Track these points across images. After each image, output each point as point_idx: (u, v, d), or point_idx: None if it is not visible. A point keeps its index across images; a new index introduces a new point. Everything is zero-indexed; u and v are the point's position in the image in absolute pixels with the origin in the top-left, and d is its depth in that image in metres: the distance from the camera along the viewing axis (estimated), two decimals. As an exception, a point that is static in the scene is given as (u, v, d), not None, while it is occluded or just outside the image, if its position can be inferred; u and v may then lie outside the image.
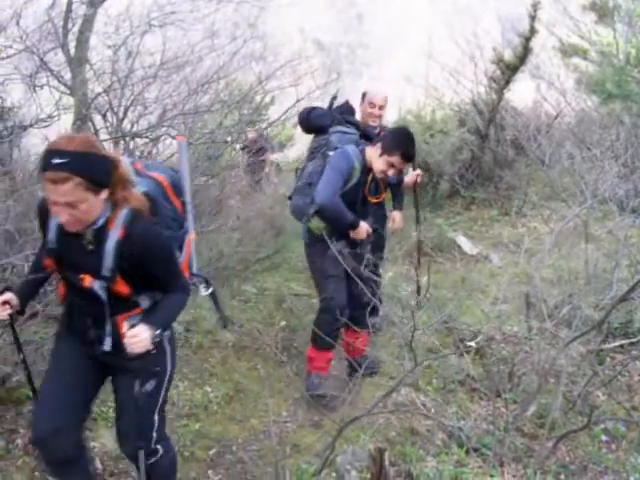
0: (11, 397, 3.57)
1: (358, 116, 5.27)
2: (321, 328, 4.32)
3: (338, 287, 4.42)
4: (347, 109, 4.79)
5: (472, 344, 4.65)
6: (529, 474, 3.16)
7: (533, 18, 8.79)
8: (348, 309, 4.42)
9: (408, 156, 4.33)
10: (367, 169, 4.36)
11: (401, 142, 4.35)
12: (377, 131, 5.38)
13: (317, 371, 4.53)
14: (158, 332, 2.45)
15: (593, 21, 10.57)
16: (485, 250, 8.01)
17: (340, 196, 4.25)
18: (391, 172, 4.32)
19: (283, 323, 5.71)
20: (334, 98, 4.57)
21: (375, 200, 4.58)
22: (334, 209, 4.25)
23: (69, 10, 7.59)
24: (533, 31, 8.91)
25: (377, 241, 5.09)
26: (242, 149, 10.53)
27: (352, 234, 4.36)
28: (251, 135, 10.83)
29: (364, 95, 5.53)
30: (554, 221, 7.45)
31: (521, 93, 10.49)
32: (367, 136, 4.76)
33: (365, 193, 4.43)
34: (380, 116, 5.53)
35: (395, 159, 4.26)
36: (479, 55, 10.20)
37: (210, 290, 2.96)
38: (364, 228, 4.35)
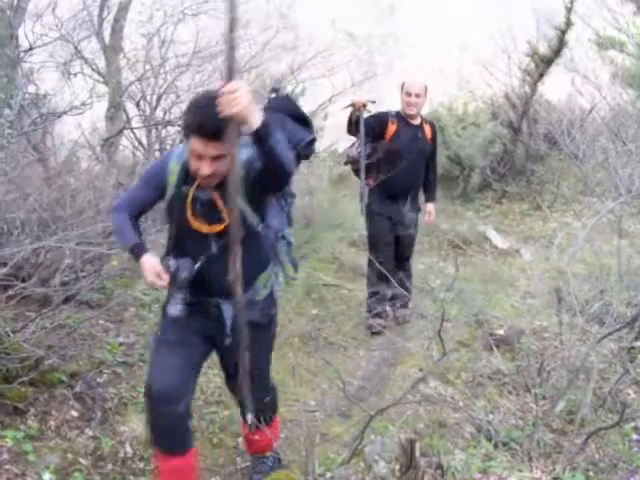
0: (44, 380, 3.61)
1: (399, 106, 5.46)
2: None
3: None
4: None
5: (501, 332, 4.65)
6: (558, 470, 3.14)
7: (569, 10, 8.68)
8: None
9: (199, 130, 2.41)
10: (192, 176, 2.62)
11: (186, 115, 2.64)
12: (419, 121, 5.51)
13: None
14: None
15: (632, 12, 10.39)
16: (516, 244, 7.96)
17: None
18: (205, 169, 2.47)
19: (314, 312, 5.73)
20: (275, 90, 3.12)
21: (208, 229, 2.65)
22: (113, 223, 3.09)
23: (105, -1, 7.66)
24: (569, 23, 8.81)
25: (407, 239, 5.57)
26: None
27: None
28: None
29: (403, 85, 5.45)
30: (587, 216, 7.37)
31: (555, 86, 10.38)
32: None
33: (187, 216, 2.64)
34: (417, 104, 5.40)
35: (192, 144, 2.48)
36: (513, 48, 10.12)
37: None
38: (148, 266, 2.67)
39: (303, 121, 2.93)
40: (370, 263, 5.40)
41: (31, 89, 6.80)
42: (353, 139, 5.40)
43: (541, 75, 9.54)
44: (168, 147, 7.72)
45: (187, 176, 2.66)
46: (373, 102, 5.31)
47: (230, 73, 2.12)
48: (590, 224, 4.93)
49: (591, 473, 3.30)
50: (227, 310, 2.75)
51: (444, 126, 10.44)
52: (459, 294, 5.24)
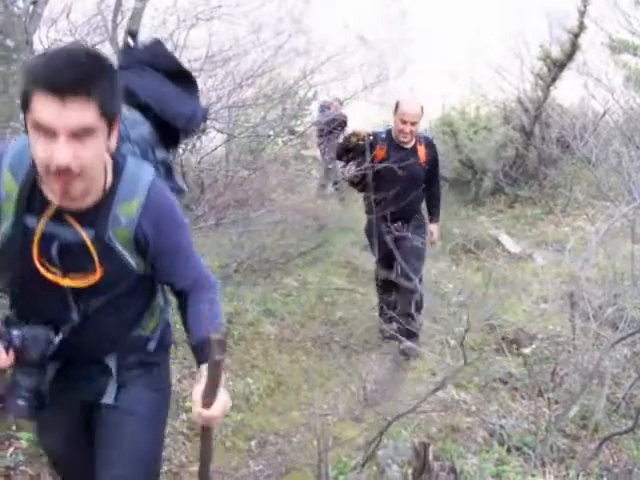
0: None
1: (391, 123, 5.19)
2: None
3: None
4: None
5: (526, 351, 4.63)
6: (571, 475, 3.13)
7: (582, 13, 8.66)
8: None
9: (50, 80, 1.46)
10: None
11: (27, 67, 1.80)
12: (412, 144, 5.13)
13: None
14: None
15: (645, 16, 10.34)
16: (528, 249, 7.94)
17: None
18: (60, 153, 1.49)
19: (331, 315, 5.76)
20: (132, 35, 2.10)
21: (71, 282, 1.78)
22: None
23: (119, 4, 7.70)
24: (582, 27, 8.79)
25: (416, 249, 5.17)
26: (320, 135, 10.14)
27: None
28: (333, 108, 9.88)
29: (397, 106, 5.04)
30: (600, 221, 7.34)
31: (568, 90, 10.35)
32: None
33: (32, 258, 1.74)
34: (412, 132, 5.05)
35: (36, 112, 1.50)
36: (525, 51, 10.10)
37: None
38: None
39: (184, 80, 1.98)
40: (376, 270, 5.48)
41: (46, 94, 6.85)
42: None
43: (554, 79, 9.52)
44: (180, 151, 7.78)
45: (33, 197, 1.68)
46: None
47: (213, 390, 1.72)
48: (603, 228, 4.91)
49: (605, 479, 3.28)
50: (110, 358, 1.98)
51: (456, 130, 10.44)
52: (471, 298, 5.24)
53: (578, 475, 3.13)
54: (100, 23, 7.92)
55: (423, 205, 5.48)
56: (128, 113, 1.82)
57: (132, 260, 1.79)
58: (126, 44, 2.01)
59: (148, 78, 1.90)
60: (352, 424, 4.02)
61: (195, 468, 3.42)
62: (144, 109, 1.88)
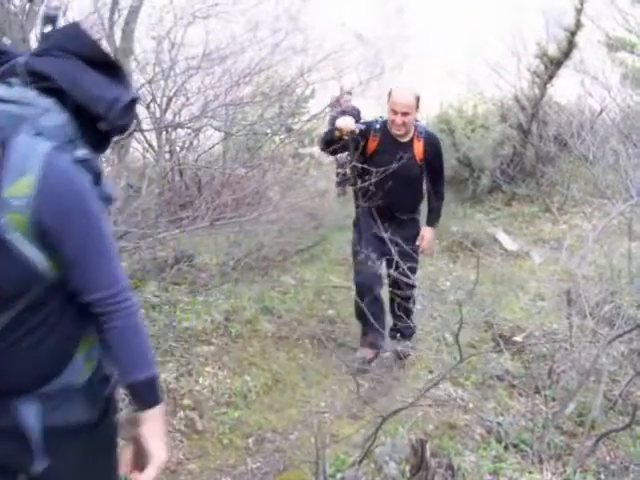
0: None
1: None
2: None
3: None
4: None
5: (518, 339, 4.63)
6: (568, 472, 3.14)
7: (579, 11, 8.67)
8: None
9: None
10: None
11: None
12: (409, 137, 4.76)
13: None
14: None
15: (642, 14, 10.36)
16: (525, 246, 7.95)
17: None
18: None
19: (328, 312, 5.76)
20: (51, 20, 1.72)
21: None
22: None
23: (115, 2, 7.70)
24: (579, 25, 8.80)
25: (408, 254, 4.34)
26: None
27: None
28: (345, 103, 9.19)
29: (389, 94, 4.67)
30: (597, 218, 7.36)
31: (565, 88, 10.36)
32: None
33: None
34: (404, 124, 4.61)
35: None
36: (522, 49, 10.10)
37: None
38: None
39: (108, 68, 1.69)
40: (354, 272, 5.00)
41: (42, 92, 6.84)
42: None
43: (551, 77, 9.53)
44: (178, 149, 7.76)
45: None
46: (359, 130, 4.64)
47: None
48: (600, 226, 4.92)
49: (602, 475, 3.30)
50: (29, 412, 1.57)
51: (454, 128, 10.45)
52: (469, 296, 5.25)
53: (575, 472, 3.15)
54: (97, 21, 7.91)
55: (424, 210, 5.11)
56: (37, 99, 1.54)
57: (35, 257, 1.46)
58: (45, 27, 1.68)
59: (68, 64, 1.61)
60: (349, 421, 4.02)
61: (193, 465, 3.45)
62: (62, 96, 1.58)
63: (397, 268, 3.98)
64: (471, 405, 4.08)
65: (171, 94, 7.34)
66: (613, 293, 4.63)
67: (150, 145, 7.86)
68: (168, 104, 7.38)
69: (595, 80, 10.14)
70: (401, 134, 4.68)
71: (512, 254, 7.73)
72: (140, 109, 7.93)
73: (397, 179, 4.57)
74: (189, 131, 7.51)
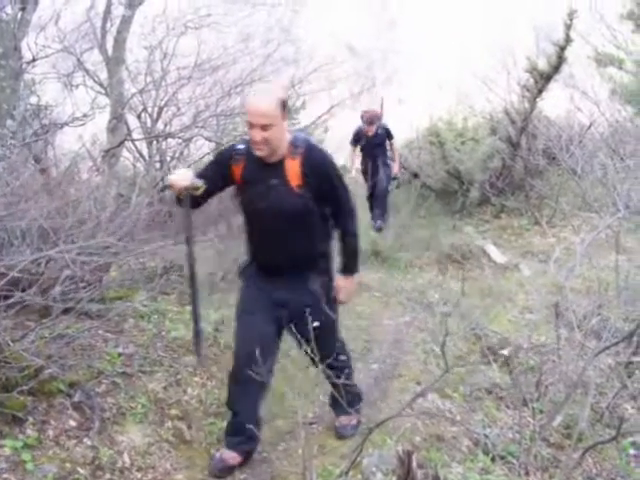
0: (43, 389, 3.61)
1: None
2: None
3: None
4: None
5: (504, 352, 4.64)
6: (555, 484, 3.15)
7: (569, 27, 8.75)
8: None
9: None
10: None
11: None
12: (278, 157, 3.21)
13: None
14: None
15: (630, 30, 10.49)
16: (514, 259, 7.98)
17: None
18: None
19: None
20: None
21: None
22: None
23: (108, 11, 7.73)
24: (568, 40, 8.87)
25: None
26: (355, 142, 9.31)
27: None
28: (370, 120, 8.78)
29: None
30: (585, 231, 7.39)
31: (554, 102, 10.45)
32: None
33: None
34: (266, 141, 3.07)
35: None
36: (512, 63, 10.18)
37: None
38: None
39: None
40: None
41: (33, 100, 6.85)
42: None
43: (540, 91, 9.59)
44: (168, 159, 7.77)
45: None
46: (200, 186, 3.34)
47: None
48: (588, 239, 4.94)
49: (588, 487, 3.31)
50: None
51: (444, 141, 10.50)
52: (457, 308, 5.26)
53: (562, 484, 3.15)
54: (89, 30, 7.93)
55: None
56: None
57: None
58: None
59: None
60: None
61: (180, 476, 3.43)
62: None
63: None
64: (459, 417, 4.08)
65: (162, 104, 7.36)
66: (601, 306, 4.66)
67: (141, 154, 7.87)
68: (159, 114, 7.40)
69: (584, 95, 10.24)
70: (265, 155, 3.25)
71: (501, 267, 7.75)
72: (131, 119, 7.96)
73: (266, 218, 3.36)
74: (180, 141, 7.52)
